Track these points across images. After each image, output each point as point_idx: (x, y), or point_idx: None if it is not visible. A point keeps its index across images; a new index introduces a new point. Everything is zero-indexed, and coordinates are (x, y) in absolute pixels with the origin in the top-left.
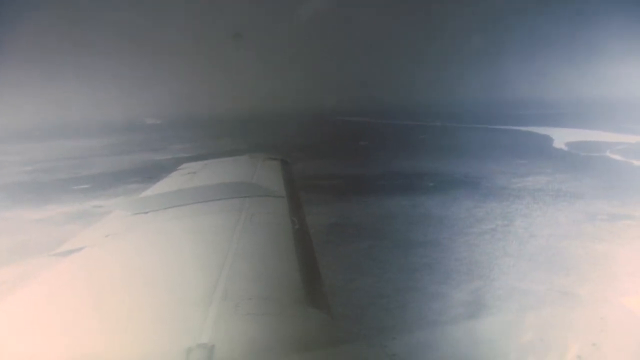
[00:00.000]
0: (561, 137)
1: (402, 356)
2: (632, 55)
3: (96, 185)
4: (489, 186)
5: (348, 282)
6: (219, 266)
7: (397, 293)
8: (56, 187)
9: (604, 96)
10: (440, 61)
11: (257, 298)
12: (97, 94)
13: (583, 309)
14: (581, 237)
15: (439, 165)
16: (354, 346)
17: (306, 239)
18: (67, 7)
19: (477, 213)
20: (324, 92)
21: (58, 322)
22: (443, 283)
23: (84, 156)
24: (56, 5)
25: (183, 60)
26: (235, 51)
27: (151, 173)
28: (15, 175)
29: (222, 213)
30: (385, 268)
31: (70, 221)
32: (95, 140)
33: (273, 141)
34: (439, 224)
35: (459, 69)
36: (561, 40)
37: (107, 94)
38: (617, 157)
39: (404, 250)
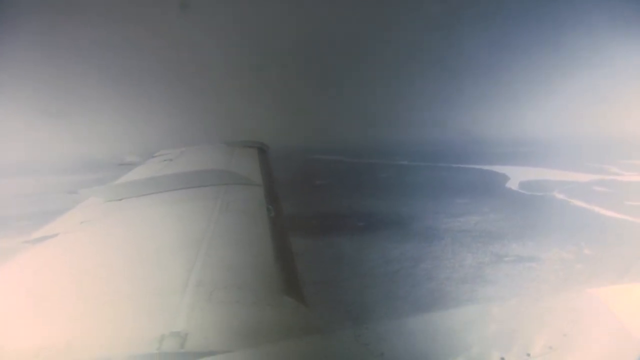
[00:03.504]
0: (518, 175)
1: (375, 345)
2: (606, 93)
3: (39, 222)
4: (418, 226)
5: None
6: (194, 254)
7: None
8: None
9: (583, 133)
10: (418, 100)
11: (231, 286)
12: (81, 128)
13: (553, 299)
14: (474, 280)
15: (380, 204)
16: (327, 336)
17: (282, 227)
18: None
19: (389, 254)
20: (302, 130)
21: (30, 308)
22: None
23: (45, 192)
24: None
25: (165, 96)
26: (215, 82)
27: None
28: None
29: (198, 200)
30: None
31: None
32: (68, 177)
33: None
34: (345, 265)
35: (438, 108)
36: (540, 78)
37: (92, 129)
38: (561, 196)
39: None
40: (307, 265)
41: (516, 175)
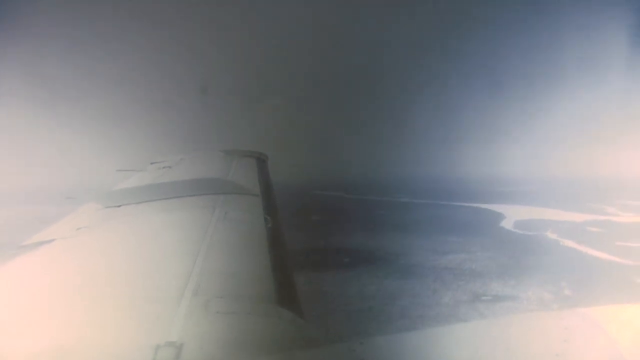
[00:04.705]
0: (515, 214)
1: (371, 359)
2: (609, 132)
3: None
4: (403, 263)
5: None
6: (190, 263)
7: None
8: None
9: (585, 173)
10: (420, 137)
11: (228, 296)
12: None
13: (546, 318)
14: (448, 319)
15: (369, 241)
16: (323, 349)
17: (279, 238)
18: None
19: (367, 290)
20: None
21: (23, 314)
22: None
23: (35, 223)
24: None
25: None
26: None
27: None
28: None
29: (195, 209)
30: None
31: None
32: (66, 206)
33: None
34: (320, 301)
35: (449, 145)
36: (549, 117)
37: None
38: (554, 236)
39: None
40: None
41: (513, 214)
